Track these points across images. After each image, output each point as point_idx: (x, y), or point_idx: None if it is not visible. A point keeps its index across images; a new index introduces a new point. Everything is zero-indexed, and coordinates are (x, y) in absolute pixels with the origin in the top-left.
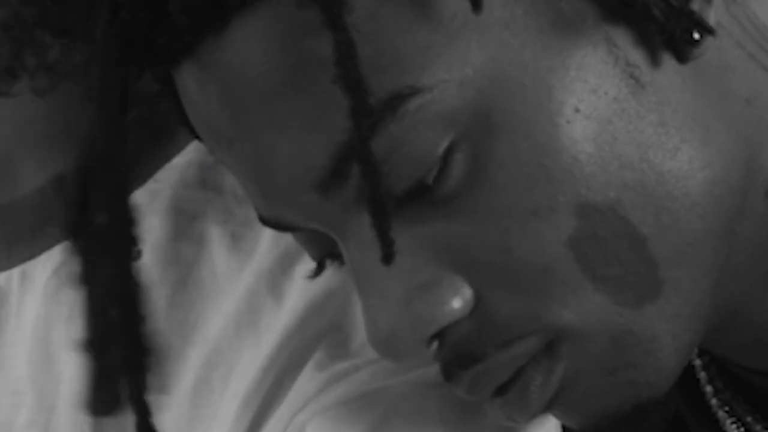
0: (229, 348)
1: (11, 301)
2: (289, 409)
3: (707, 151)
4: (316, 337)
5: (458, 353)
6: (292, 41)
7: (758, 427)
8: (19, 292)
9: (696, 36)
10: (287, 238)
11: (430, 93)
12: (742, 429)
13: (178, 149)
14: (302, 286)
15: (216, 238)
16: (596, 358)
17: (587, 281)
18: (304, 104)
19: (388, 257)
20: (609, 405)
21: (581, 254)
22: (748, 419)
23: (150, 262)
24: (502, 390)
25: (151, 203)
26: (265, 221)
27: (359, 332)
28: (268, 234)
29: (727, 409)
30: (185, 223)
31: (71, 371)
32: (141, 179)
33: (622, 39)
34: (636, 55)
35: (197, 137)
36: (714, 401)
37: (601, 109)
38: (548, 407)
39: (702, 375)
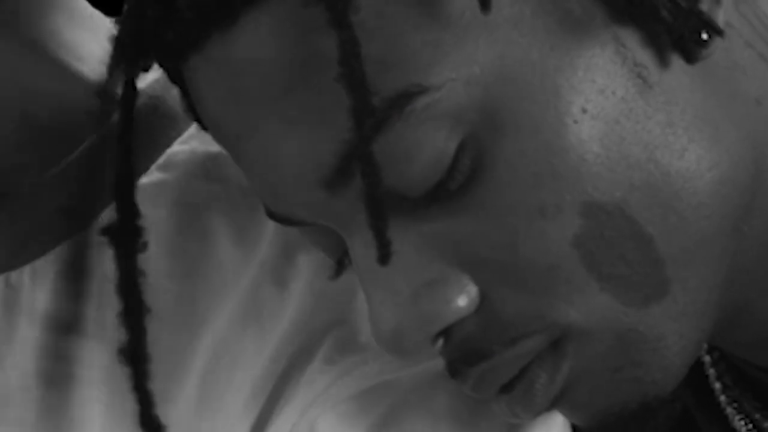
0: (236, 340)
1: (23, 298)
2: (299, 404)
3: (715, 151)
4: (324, 329)
5: (464, 351)
6: (299, 39)
7: (766, 425)
8: (30, 288)
9: (704, 36)
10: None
11: (437, 92)
12: (750, 425)
13: (178, 133)
14: (308, 278)
15: (221, 230)
16: (602, 356)
17: (593, 280)
18: (311, 101)
19: (384, 258)
20: (615, 403)
21: (587, 253)
22: (757, 416)
23: (156, 254)
24: (507, 387)
25: (158, 195)
26: (273, 216)
27: (367, 325)
28: (272, 225)
29: (735, 405)
30: (191, 215)
31: (82, 368)
32: (144, 167)
33: (630, 39)
34: (644, 56)
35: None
36: (723, 398)
37: (609, 109)
38: (554, 405)
39: (711, 371)
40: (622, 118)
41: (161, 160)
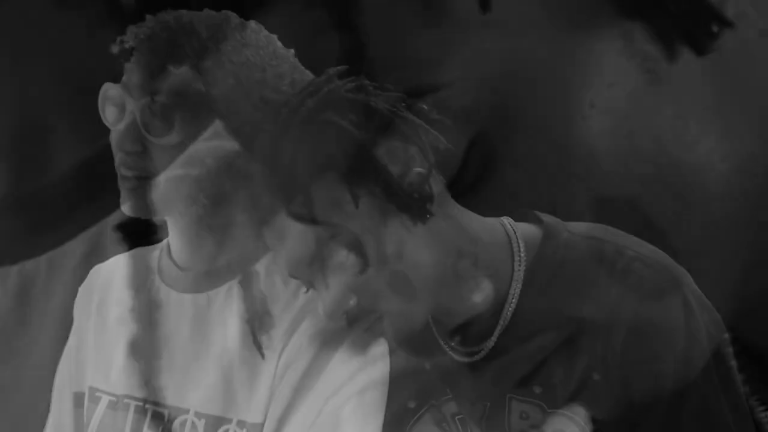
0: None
1: (38, 283)
2: (323, 392)
3: (727, 143)
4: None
5: (482, 346)
6: (307, 40)
7: None
8: (46, 276)
9: (714, 29)
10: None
11: (446, 91)
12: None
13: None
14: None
15: (243, 225)
16: (617, 350)
17: (605, 275)
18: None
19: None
20: (632, 396)
21: (598, 249)
22: None
23: (178, 247)
24: (524, 381)
25: (178, 189)
26: (289, 212)
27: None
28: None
29: (757, 398)
30: (212, 210)
31: (95, 356)
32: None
33: (639, 33)
34: (653, 49)
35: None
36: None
37: (618, 103)
38: (572, 399)
39: (733, 363)
40: (631, 112)
41: (184, 156)
